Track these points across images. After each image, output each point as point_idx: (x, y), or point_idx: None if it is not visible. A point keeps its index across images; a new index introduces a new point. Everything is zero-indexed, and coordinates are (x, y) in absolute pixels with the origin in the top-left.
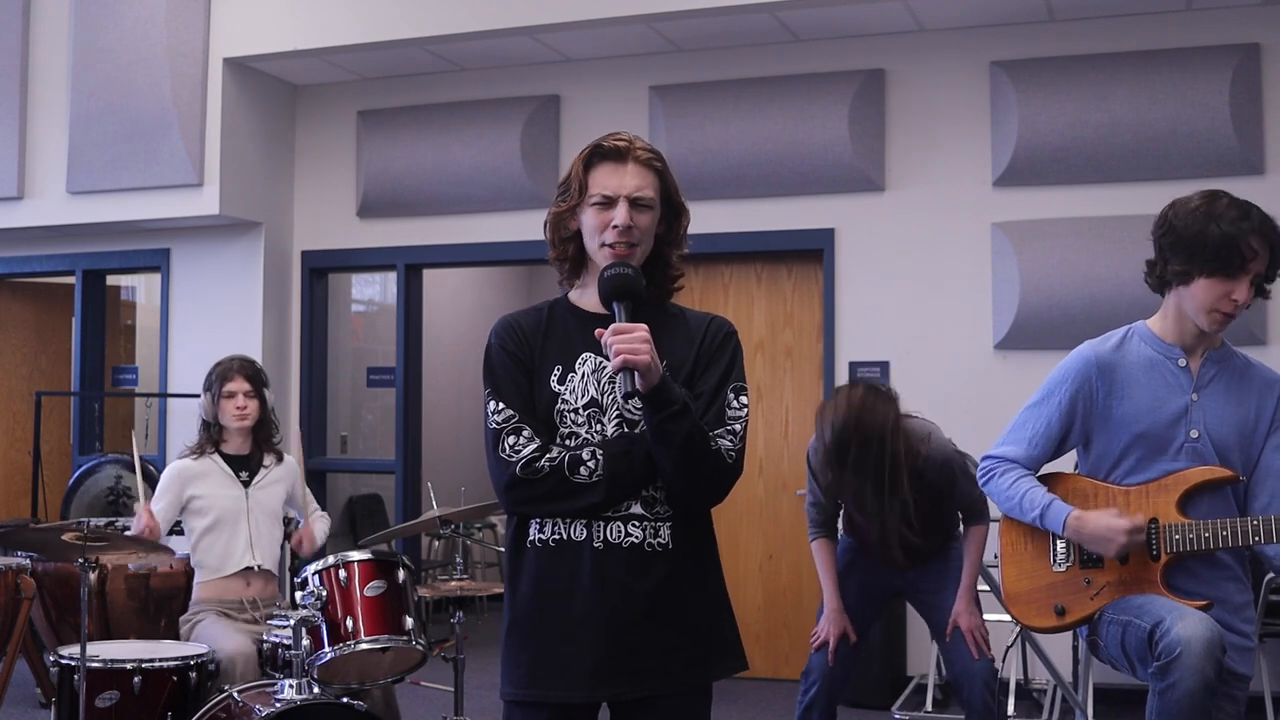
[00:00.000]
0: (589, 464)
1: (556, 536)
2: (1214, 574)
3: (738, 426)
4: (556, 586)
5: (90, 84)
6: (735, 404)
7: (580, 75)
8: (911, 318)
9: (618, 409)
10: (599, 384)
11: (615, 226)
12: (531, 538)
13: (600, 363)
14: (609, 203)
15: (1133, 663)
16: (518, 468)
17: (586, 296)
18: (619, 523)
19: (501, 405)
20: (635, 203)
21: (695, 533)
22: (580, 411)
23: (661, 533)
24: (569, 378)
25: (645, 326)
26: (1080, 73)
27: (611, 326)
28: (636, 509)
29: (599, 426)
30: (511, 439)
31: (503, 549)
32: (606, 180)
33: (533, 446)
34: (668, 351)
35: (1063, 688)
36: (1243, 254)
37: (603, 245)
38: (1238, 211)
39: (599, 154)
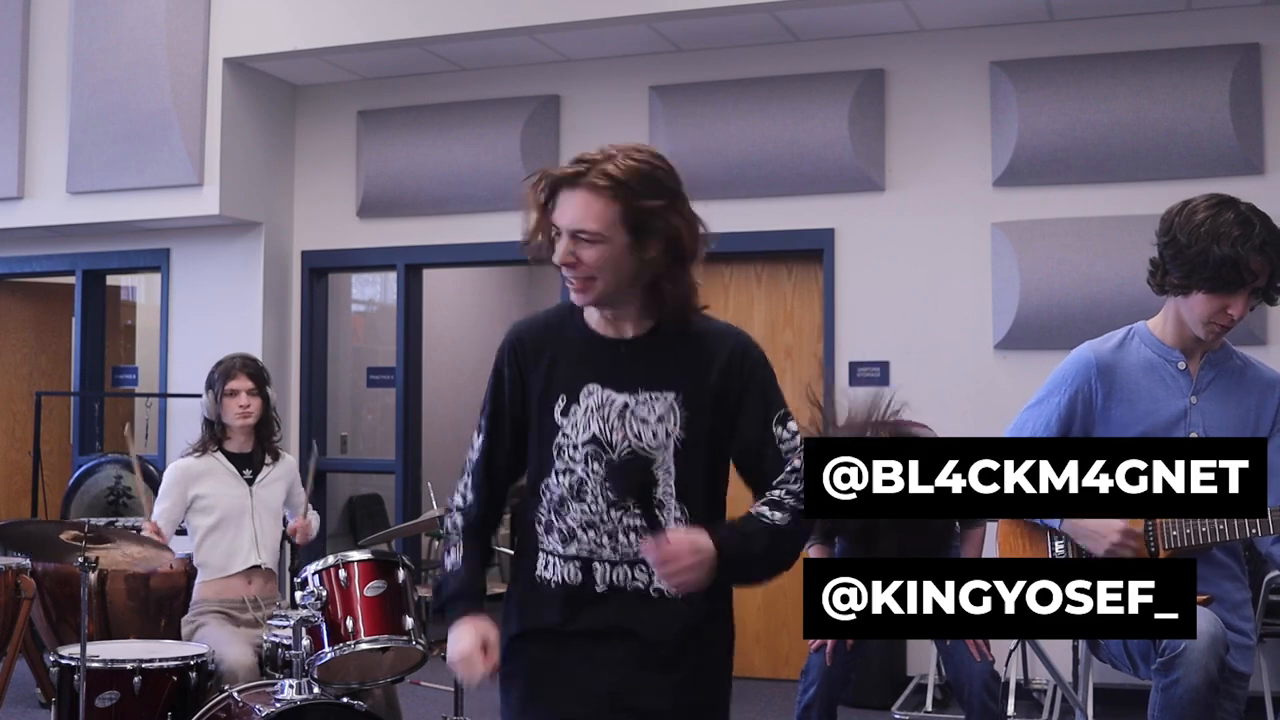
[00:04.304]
0: (450, 555)
1: (555, 579)
2: (1213, 572)
3: (798, 462)
4: (555, 624)
5: (90, 84)
6: (786, 434)
7: (580, 75)
8: (911, 318)
9: (630, 448)
10: (605, 419)
11: (561, 263)
12: (539, 572)
13: (607, 396)
14: (559, 234)
15: (1135, 660)
16: (444, 511)
17: (592, 313)
18: (625, 567)
19: (479, 441)
20: (576, 236)
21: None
22: (579, 447)
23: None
24: (572, 410)
25: (691, 542)
26: (1080, 73)
27: (654, 556)
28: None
29: (601, 464)
30: (464, 479)
31: (502, 549)
32: (560, 212)
33: (456, 499)
34: (681, 376)
35: (1063, 688)
36: (1242, 276)
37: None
38: (1241, 230)
39: (557, 182)
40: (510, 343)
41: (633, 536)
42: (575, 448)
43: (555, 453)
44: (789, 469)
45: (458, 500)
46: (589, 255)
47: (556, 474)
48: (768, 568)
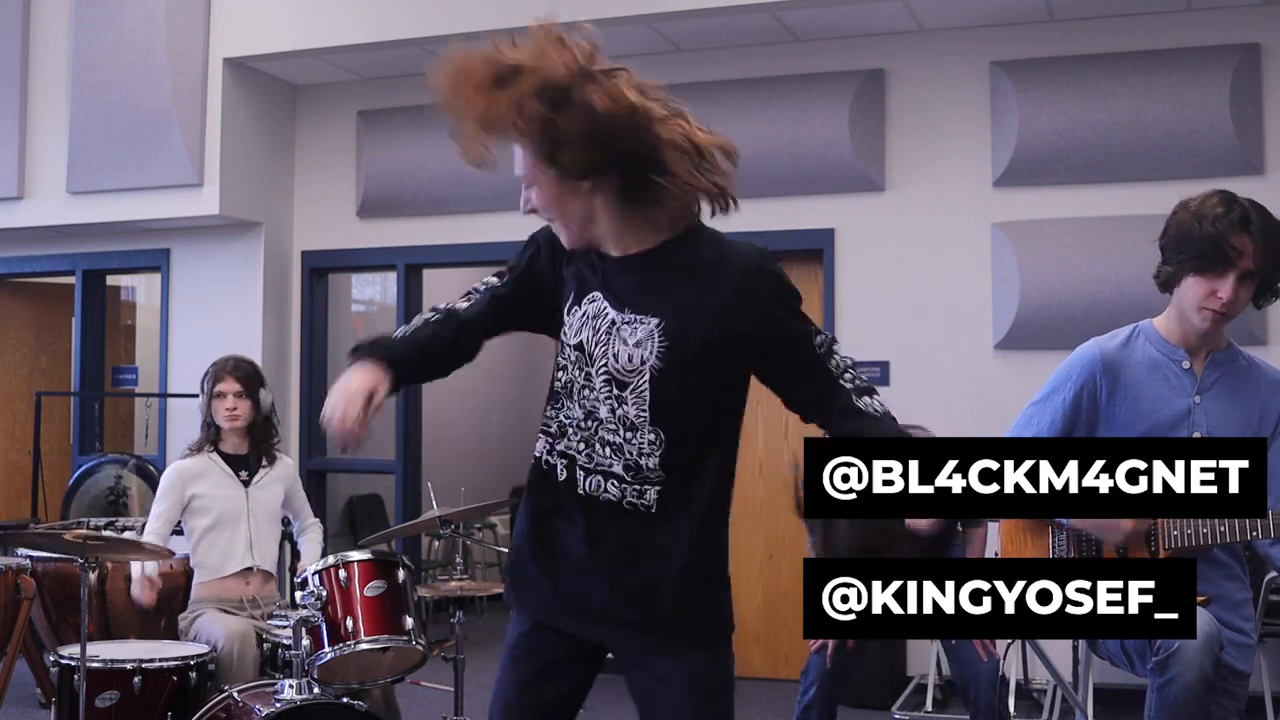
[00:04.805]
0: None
1: (549, 461)
2: (1213, 572)
3: (851, 372)
4: (548, 515)
5: (90, 84)
6: (835, 366)
7: None
8: (911, 318)
9: (605, 365)
10: (594, 330)
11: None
12: (540, 453)
13: (602, 308)
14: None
15: (1131, 659)
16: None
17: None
18: (598, 477)
19: (498, 279)
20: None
21: (691, 498)
22: (569, 349)
23: (647, 495)
24: (573, 310)
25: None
26: (1080, 73)
27: None
28: (617, 469)
29: (584, 373)
30: (468, 294)
31: (503, 549)
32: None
33: (462, 303)
34: (669, 305)
35: (1063, 688)
36: (1225, 253)
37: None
38: (1224, 209)
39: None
40: (541, 236)
41: (607, 450)
42: (568, 348)
43: (560, 347)
44: (846, 383)
45: (452, 301)
46: (534, 197)
47: (558, 367)
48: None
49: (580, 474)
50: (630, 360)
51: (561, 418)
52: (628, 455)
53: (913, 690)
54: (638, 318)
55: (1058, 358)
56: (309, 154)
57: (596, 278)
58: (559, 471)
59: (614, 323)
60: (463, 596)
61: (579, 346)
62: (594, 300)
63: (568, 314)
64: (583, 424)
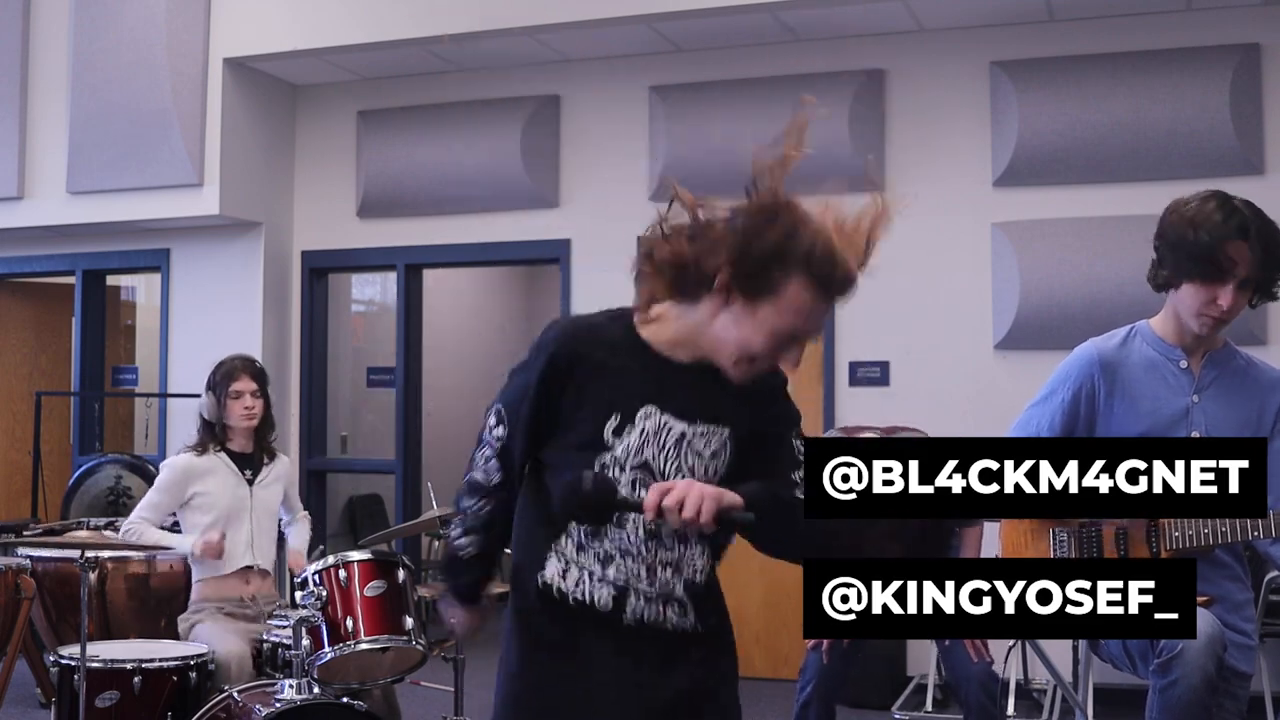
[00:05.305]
0: (462, 539)
1: (579, 596)
2: (1214, 572)
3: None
4: (571, 650)
5: (90, 84)
6: (801, 447)
7: (580, 75)
8: (911, 318)
9: (681, 477)
10: (660, 447)
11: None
12: (561, 585)
13: (665, 422)
14: (795, 338)
15: (1134, 660)
16: (464, 480)
17: (660, 332)
18: (658, 605)
19: (502, 427)
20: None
21: (717, 610)
22: (626, 470)
23: (689, 615)
24: (626, 430)
25: (686, 482)
26: (1080, 73)
27: (659, 502)
28: (679, 592)
29: (646, 491)
30: (485, 451)
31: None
32: (812, 312)
33: (478, 475)
34: (734, 411)
35: (1063, 688)
36: (1220, 262)
37: (741, 361)
38: (1222, 216)
39: (822, 278)
40: (558, 339)
41: (669, 571)
42: (622, 469)
43: (598, 467)
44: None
45: (477, 474)
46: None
47: None
48: (802, 530)
49: (634, 602)
50: (706, 473)
51: (606, 545)
52: (686, 573)
53: (913, 690)
54: (710, 428)
55: (1058, 358)
56: (309, 154)
57: (648, 386)
58: (600, 600)
59: (683, 435)
60: None
61: (643, 466)
62: (649, 416)
63: (614, 435)
64: (644, 547)
